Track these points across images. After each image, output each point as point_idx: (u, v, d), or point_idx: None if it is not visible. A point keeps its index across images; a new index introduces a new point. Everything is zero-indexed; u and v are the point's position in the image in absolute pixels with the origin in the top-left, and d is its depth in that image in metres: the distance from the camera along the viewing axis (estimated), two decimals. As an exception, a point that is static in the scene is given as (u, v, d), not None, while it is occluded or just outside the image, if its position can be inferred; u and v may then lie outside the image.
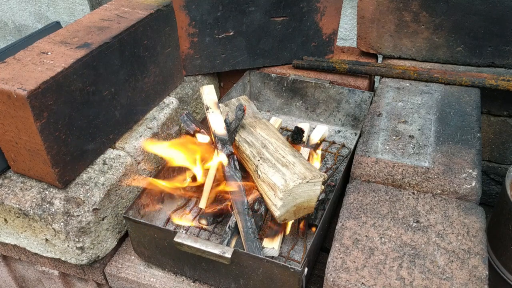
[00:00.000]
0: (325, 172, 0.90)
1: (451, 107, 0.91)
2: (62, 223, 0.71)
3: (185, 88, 1.05)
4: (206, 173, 0.83)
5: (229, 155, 0.77)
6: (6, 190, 0.75)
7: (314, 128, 1.07)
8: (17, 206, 0.73)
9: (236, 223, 0.75)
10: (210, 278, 0.74)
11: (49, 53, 0.73)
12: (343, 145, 1.02)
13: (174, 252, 0.72)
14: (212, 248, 0.66)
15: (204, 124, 0.87)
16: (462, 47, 1.03)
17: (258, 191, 0.78)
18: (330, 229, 0.83)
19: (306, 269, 0.65)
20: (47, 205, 0.72)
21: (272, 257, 0.74)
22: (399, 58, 1.11)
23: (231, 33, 1.06)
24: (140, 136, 0.86)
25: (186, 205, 0.88)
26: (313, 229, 0.80)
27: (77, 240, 0.72)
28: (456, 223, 0.69)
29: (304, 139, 0.95)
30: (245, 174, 0.82)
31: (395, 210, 0.72)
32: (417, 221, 0.70)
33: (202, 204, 0.84)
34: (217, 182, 0.82)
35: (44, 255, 0.79)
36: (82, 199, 0.73)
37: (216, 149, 0.79)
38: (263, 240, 0.76)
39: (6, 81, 0.65)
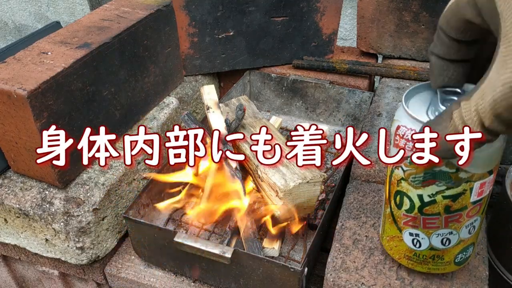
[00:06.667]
0: (325, 172, 0.90)
1: (451, 107, 0.91)
2: (62, 223, 0.71)
3: (185, 88, 1.05)
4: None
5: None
6: (6, 190, 0.75)
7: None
8: (17, 206, 0.73)
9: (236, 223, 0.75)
10: (210, 278, 0.74)
11: (49, 53, 0.73)
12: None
13: (174, 252, 0.72)
14: (212, 248, 0.67)
15: (204, 124, 0.87)
16: (462, 47, 1.03)
17: (258, 191, 0.78)
18: (330, 229, 0.83)
19: (306, 269, 0.65)
20: (47, 205, 0.72)
21: (272, 257, 0.74)
22: (399, 58, 1.11)
23: (231, 33, 1.06)
24: (140, 136, 0.86)
25: (187, 205, 0.88)
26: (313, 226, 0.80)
27: (77, 240, 0.72)
28: (456, 223, 0.69)
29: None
30: (245, 174, 0.82)
31: (395, 210, 0.72)
32: (417, 221, 0.70)
33: (203, 204, 0.84)
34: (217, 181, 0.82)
35: (44, 255, 0.79)
36: (82, 199, 0.73)
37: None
38: (263, 240, 0.76)
39: (6, 81, 0.65)
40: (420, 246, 0.57)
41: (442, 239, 0.55)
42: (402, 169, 0.53)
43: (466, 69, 0.46)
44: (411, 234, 0.57)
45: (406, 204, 0.55)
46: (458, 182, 0.50)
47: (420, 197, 0.53)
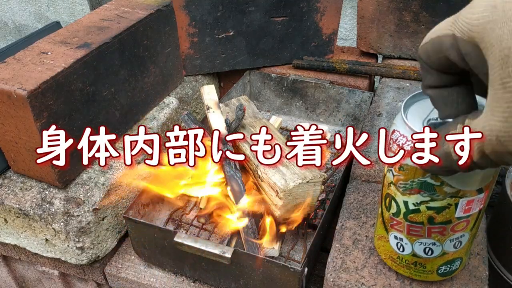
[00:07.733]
0: (325, 172, 0.90)
1: (451, 107, 0.91)
2: (62, 223, 0.71)
3: (185, 88, 1.05)
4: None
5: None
6: (6, 190, 0.75)
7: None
8: (17, 206, 0.73)
9: (236, 223, 0.75)
10: (210, 278, 0.74)
11: (49, 53, 0.73)
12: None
13: (174, 252, 0.72)
14: (212, 248, 0.67)
15: (204, 124, 0.87)
16: (462, 47, 1.03)
17: (258, 191, 0.78)
18: (330, 229, 0.83)
19: (306, 269, 0.65)
20: (47, 205, 0.72)
21: (272, 257, 0.74)
22: (399, 58, 1.11)
23: (231, 33, 1.06)
24: (140, 136, 0.86)
25: (187, 205, 0.88)
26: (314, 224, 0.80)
27: (77, 240, 0.72)
28: (456, 223, 0.69)
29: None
30: (245, 174, 0.82)
31: (395, 210, 0.72)
32: (417, 221, 0.70)
33: (203, 204, 0.84)
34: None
35: (44, 255, 0.79)
36: (82, 199, 0.73)
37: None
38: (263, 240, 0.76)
39: (6, 81, 0.65)
40: (403, 250, 0.57)
41: (425, 248, 0.55)
42: (392, 173, 0.53)
43: (471, 86, 0.42)
44: (396, 238, 0.57)
45: (394, 207, 0.55)
46: (443, 195, 0.49)
47: (406, 203, 0.53)
